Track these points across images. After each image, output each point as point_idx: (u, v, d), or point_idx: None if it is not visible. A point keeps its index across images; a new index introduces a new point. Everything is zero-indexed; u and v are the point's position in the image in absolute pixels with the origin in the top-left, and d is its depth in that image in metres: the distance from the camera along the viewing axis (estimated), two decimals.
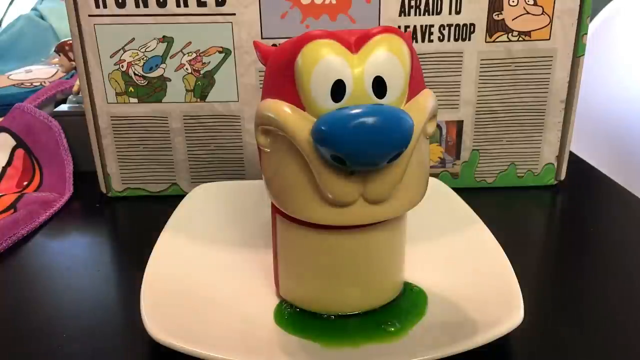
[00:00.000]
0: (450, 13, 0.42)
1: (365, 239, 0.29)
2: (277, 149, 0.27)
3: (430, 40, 0.42)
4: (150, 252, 0.33)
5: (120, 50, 0.42)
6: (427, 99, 0.27)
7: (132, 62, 0.42)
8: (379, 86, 0.25)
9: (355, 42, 0.25)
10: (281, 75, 0.26)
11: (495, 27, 0.42)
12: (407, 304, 0.31)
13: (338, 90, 0.24)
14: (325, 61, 0.24)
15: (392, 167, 0.26)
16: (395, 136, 0.24)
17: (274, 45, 0.42)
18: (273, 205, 0.30)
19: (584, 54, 0.43)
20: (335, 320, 0.30)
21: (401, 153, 0.25)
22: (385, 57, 0.25)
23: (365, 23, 0.41)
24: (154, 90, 0.43)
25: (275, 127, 0.26)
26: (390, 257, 0.31)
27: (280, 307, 0.31)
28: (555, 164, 0.47)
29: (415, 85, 0.27)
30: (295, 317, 0.30)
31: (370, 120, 0.23)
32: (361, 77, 0.24)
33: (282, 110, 0.26)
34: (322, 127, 0.24)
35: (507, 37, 0.42)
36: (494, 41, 0.42)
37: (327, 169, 0.25)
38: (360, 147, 0.24)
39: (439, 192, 0.41)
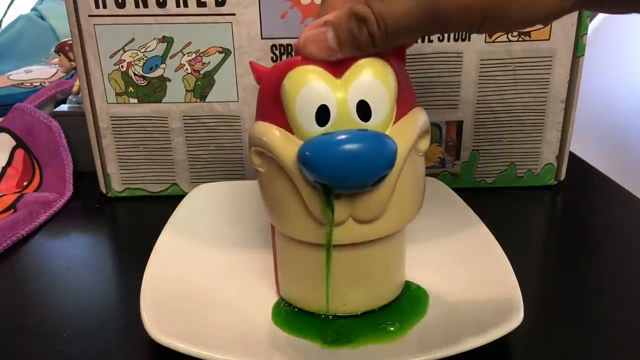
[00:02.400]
0: None
1: (363, 254, 0.29)
2: (269, 169, 0.28)
3: (430, 41, 0.42)
4: (150, 252, 0.33)
5: (120, 50, 0.42)
6: (415, 118, 0.27)
7: (132, 62, 0.42)
8: (364, 109, 0.25)
9: (339, 68, 0.25)
10: (270, 98, 0.26)
11: None
12: (407, 303, 0.31)
13: (323, 114, 0.25)
14: (310, 87, 0.25)
15: (380, 188, 0.26)
16: (377, 161, 0.24)
17: (273, 46, 0.42)
18: None
19: (584, 54, 0.43)
20: (334, 320, 0.30)
21: (386, 176, 0.25)
22: (368, 81, 0.25)
23: None
24: (153, 90, 0.43)
25: (265, 150, 0.27)
26: (389, 266, 0.31)
27: (278, 306, 0.31)
28: (555, 164, 0.47)
29: (404, 103, 0.27)
30: (295, 317, 0.30)
31: (352, 146, 0.24)
32: (344, 102, 0.25)
33: (271, 133, 0.26)
34: (307, 153, 0.25)
35: (507, 37, 0.42)
36: (493, 41, 0.42)
37: (314, 191, 0.26)
38: (344, 173, 0.24)
39: (439, 192, 0.41)
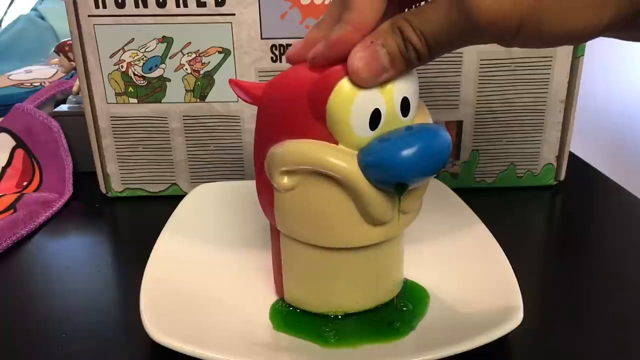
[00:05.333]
0: None
1: (373, 253, 0.29)
2: (308, 186, 0.27)
3: None
4: (150, 252, 0.33)
5: (120, 50, 0.42)
6: (426, 110, 0.28)
7: (132, 63, 0.42)
8: (405, 105, 0.26)
9: None
10: (302, 115, 0.26)
11: None
12: (408, 302, 0.31)
13: (374, 118, 0.25)
14: (363, 94, 0.25)
15: None
16: (448, 150, 0.25)
17: (273, 46, 0.42)
18: None
19: (584, 54, 0.43)
20: (334, 320, 0.30)
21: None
22: (408, 78, 0.26)
23: None
24: (153, 90, 0.43)
25: (310, 166, 0.26)
26: (391, 264, 0.31)
27: (276, 306, 0.31)
28: (555, 164, 0.47)
29: None
30: (294, 317, 0.30)
31: (429, 142, 0.25)
32: (392, 102, 0.25)
33: (319, 148, 0.26)
34: (387, 157, 0.24)
35: None
36: None
37: (377, 194, 0.26)
38: (427, 168, 0.25)
39: (439, 192, 0.41)
